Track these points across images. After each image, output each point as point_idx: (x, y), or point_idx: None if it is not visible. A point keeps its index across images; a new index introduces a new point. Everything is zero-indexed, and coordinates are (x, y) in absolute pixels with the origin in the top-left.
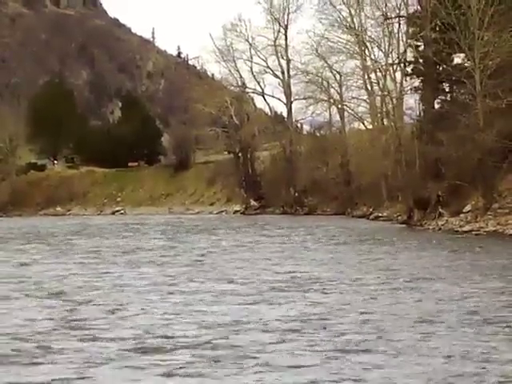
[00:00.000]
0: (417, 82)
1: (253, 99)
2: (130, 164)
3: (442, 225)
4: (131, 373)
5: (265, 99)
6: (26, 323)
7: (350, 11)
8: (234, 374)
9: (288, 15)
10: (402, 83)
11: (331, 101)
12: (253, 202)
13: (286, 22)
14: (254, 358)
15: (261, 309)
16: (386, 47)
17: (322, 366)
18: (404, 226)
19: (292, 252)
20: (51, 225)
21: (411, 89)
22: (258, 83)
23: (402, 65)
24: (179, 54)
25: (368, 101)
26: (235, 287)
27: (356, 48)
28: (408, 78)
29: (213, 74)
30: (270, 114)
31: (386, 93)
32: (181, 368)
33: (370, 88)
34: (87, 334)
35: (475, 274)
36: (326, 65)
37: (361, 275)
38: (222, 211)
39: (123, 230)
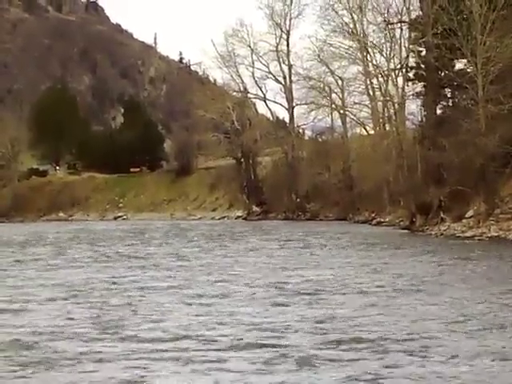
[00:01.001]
0: (419, 88)
1: (255, 104)
2: (132, 169)
3: (444, 230)
4: (174, 374)
5: (266, 104)
6: (65, 324)
7: (352, 17)
8: (276, 372)
9: (290, 21)
10: (403, 88)
11: (333, 106)
12: (255, 208)
13: (287, 28)
14: (293, 357)
15: (288, 310)
16: (388, 53)
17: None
18: (406, 231)
19: (301, 257)
20: (62, 230)
21: (413, 94)
22: (260, 88)
23: (404, 70)
24: (181, 59)
25: (370, 106)
26: (258, 290)
27: (358, 53)
28: (410, 84)
29: (215, 80)
30: (271, 119)
31: (387, 98)
32: (222, 368)
33: (371, 93)
34: (126, 334)
35: (477, 279)
36: (327, 70)
37: (371, 280)
38: (224, 217)
39: (131, 236)
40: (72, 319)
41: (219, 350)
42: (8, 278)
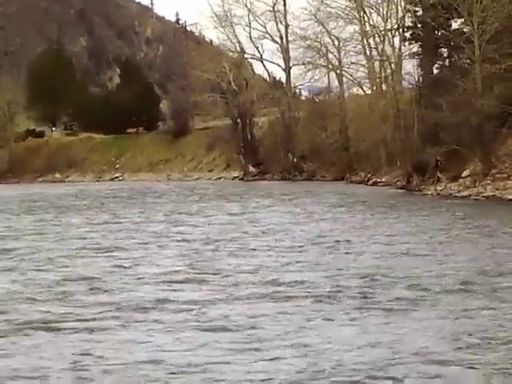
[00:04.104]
0: (415, 48)
1: (251, 65)
2: (128, 130)
3: (441, 190)
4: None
5: (263, 65)
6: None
7: None
8: None
9: None
10: (400, 48)
11: (330, 66)
12: (251, 168)
13: None
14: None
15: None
16: (385, 12)
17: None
18: (403, 191)
19: (312, 216)
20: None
21: (410, 54)
22: (257, 49)
23: (401, 30)
24: (178, 20)
25: (367, 66)
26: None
27: (355, 13)
28: (406, 44)
29: (211, 40)
30: (268, 79)
31: (384, 58)
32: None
33: (368, 53)
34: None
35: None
36: (324, 30)
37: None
38: (221, 177)
39: (141, 197)
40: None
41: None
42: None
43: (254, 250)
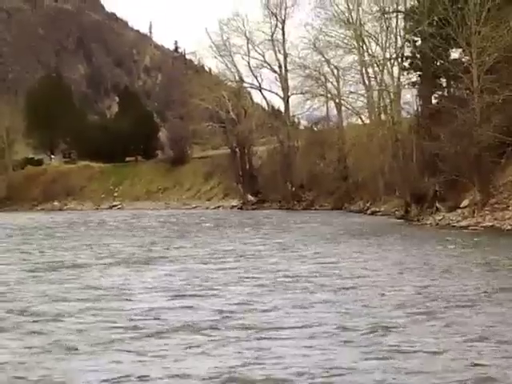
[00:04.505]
0: (414, 77)
1: (250, 94)
2: (127, 159)
3: (439, 220)
4: None
5: (262, 94)
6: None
7: (347, 5)
8: None
9: (285, 9)
10: (399, 78)
11: (328, 95)
12: (250, 197)
13: (283, 17)
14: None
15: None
16: (384, 42)
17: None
18: (401, 221)
19: (315, 246)
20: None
21: (408, 83)
22: (256, 78)
23: (400, 60)
24: (176, 48)
25: (365, 95)
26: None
27: (354, 43)
28: (405, 73)
29: (210, 69)
30: (267, 108)
31: (383, 87)
32: None
33: (367, 83)
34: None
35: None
36: (323, 59)
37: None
38: (219, 206)
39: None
40: None
41: None
42: None
43: None
